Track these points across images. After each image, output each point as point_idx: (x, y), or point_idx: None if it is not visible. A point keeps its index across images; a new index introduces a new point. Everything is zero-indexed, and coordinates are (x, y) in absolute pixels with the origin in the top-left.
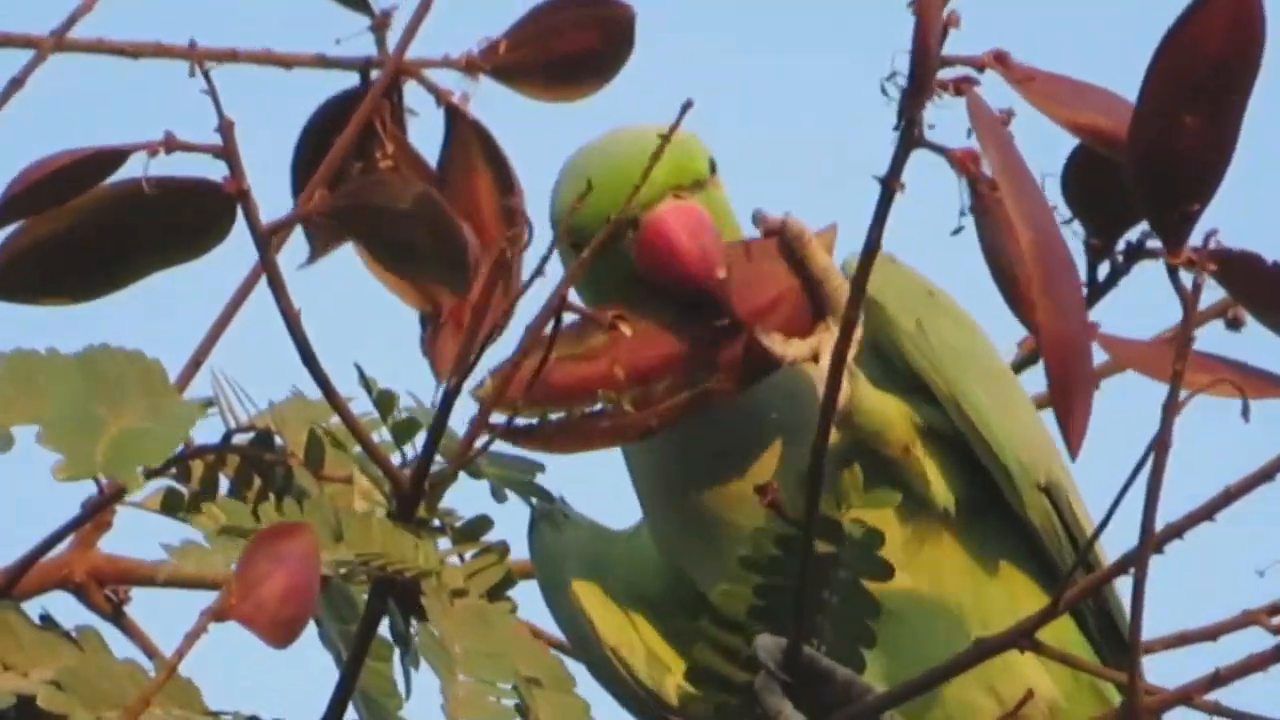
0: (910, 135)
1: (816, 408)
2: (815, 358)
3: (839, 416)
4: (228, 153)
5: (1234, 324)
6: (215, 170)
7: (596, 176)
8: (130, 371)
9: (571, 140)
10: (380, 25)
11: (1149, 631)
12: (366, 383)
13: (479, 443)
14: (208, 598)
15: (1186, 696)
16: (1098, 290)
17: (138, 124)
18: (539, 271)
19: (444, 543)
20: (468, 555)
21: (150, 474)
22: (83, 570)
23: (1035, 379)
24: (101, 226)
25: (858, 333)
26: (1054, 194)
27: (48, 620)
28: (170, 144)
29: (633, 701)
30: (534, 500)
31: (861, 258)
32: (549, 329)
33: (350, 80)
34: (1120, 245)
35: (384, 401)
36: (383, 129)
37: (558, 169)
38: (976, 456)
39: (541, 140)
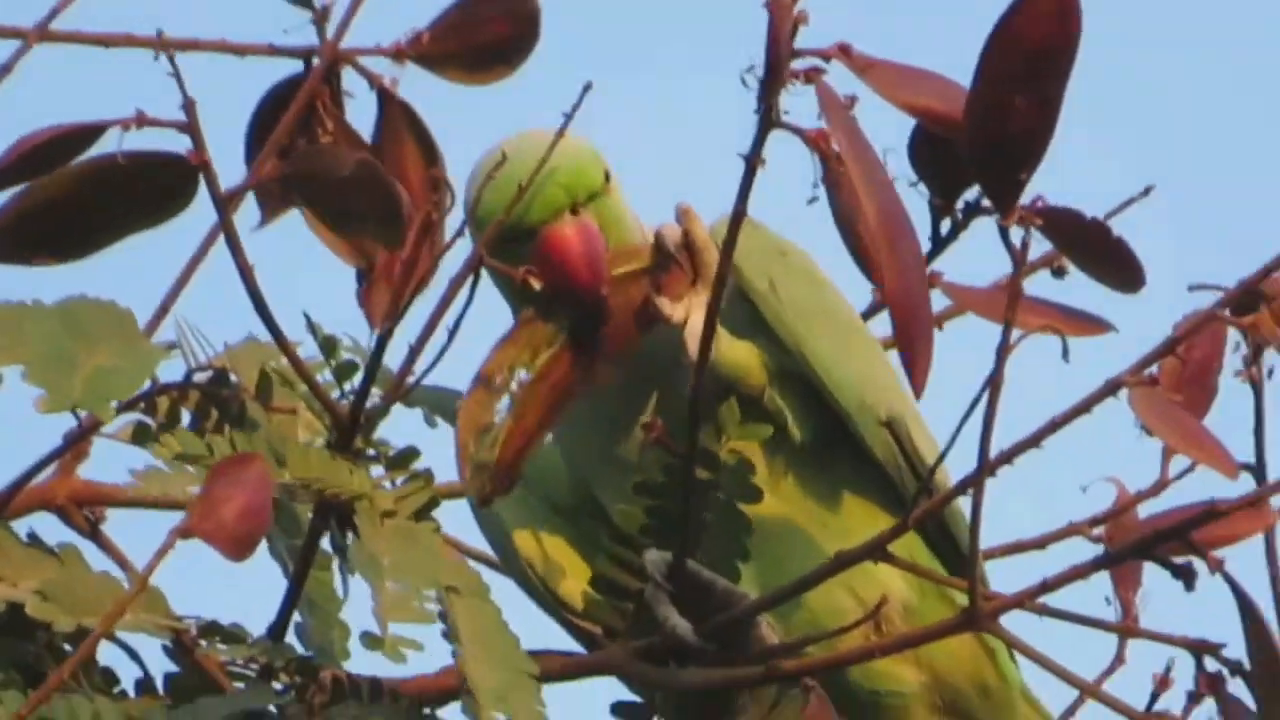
0: (768, 119)
1: (686, 358)
2: (688, 317)
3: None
4: (190, 128)
5: (1058, 272)
6: (179, 144)
7: (505, 176)
8: (104, 319)
9: (486, 118)
10: (320, 18)
11: (988, 540)
12: (313, 329)
13: (409, 380)
14: (172, 517)
15: (1019, 601)
16: (941, 244)
17: (111, 106)
18: (460, 232)
19: (378, 470)
20: (398, 481)
21: (121, 408)
22: (64, 494)
23: (885, 324)
24: (80, 195)
25: (703, 293)
26: (901, 161)
27: (34, 538)
28: (140, 120)
29: (546, 605)
30: None
31: (729, 227)
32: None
33: (295, 66)
34: (960, 204)
35: (328, 346)
36: (323, 109)
37: (475, 149)
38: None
39: (461, 118)
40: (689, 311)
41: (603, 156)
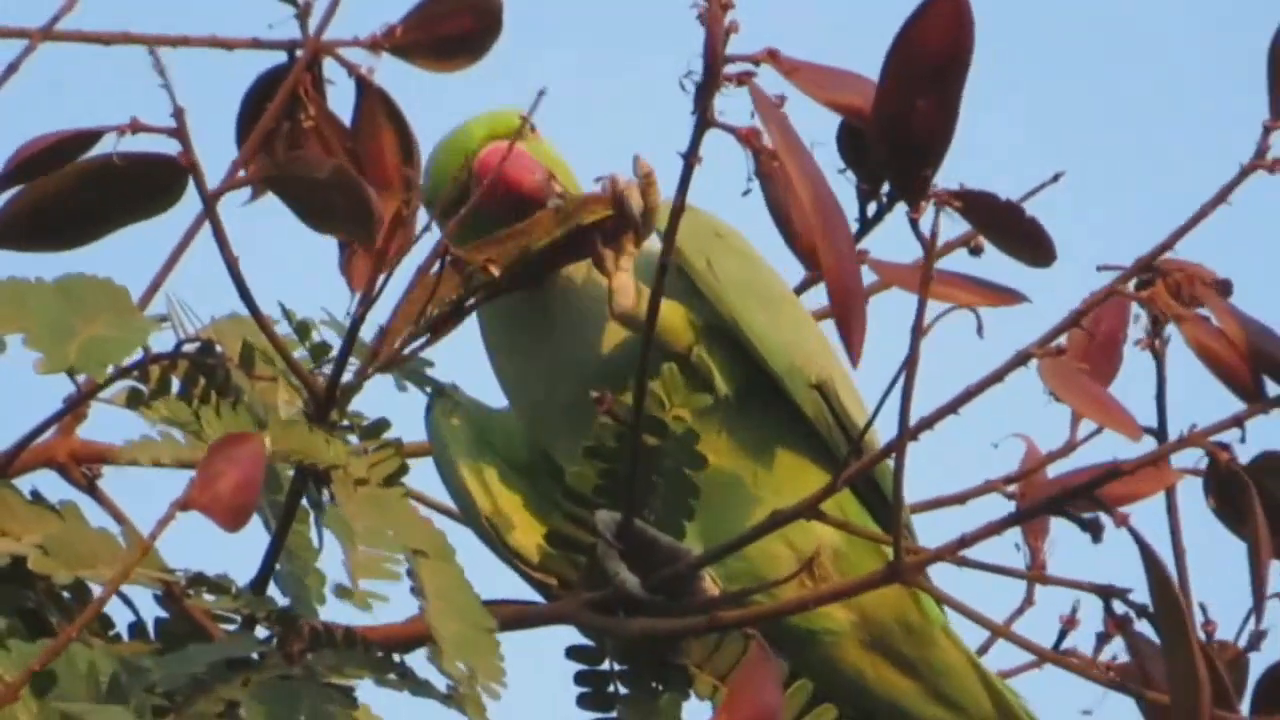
0: (704, 120)
1: (606, 313)
2: (613, 271)
3: (627, 320)
4: (180, 133)
5: (975, 251)
6: (171, 146)
7: (438, 153)
8: (100, 294)
9: (453, 102)
10: (303, 13)
11: (915, 493)
12: (287, 315)
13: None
14: (162, 473)
15: (940, 556)
16: (868, 225)
17: (112, 102)
18: (428, 226)
19: (352, 439)
20: (370, 449)
21: (117, 375)
22: (64, 452)
23: (817, 296)
24: (81, 191)
25: (635, 250)
26: (830, 152)
27: (36, 495)
28: (135, 126)
29: (503, 556)
30: (428, 389)
31: (670, 218)
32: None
33: (280, 58)
34: (884, 188)
35: (301, 329)
36: (306, 96)
37: (445, 129)
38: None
39: (432, 102)
40: (617, 261)
41: (520, 111)
